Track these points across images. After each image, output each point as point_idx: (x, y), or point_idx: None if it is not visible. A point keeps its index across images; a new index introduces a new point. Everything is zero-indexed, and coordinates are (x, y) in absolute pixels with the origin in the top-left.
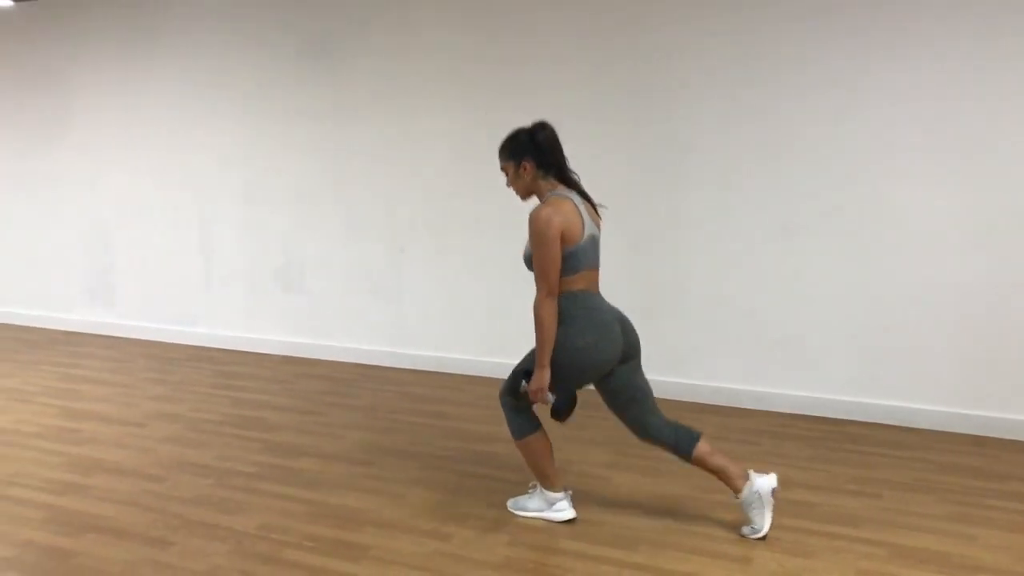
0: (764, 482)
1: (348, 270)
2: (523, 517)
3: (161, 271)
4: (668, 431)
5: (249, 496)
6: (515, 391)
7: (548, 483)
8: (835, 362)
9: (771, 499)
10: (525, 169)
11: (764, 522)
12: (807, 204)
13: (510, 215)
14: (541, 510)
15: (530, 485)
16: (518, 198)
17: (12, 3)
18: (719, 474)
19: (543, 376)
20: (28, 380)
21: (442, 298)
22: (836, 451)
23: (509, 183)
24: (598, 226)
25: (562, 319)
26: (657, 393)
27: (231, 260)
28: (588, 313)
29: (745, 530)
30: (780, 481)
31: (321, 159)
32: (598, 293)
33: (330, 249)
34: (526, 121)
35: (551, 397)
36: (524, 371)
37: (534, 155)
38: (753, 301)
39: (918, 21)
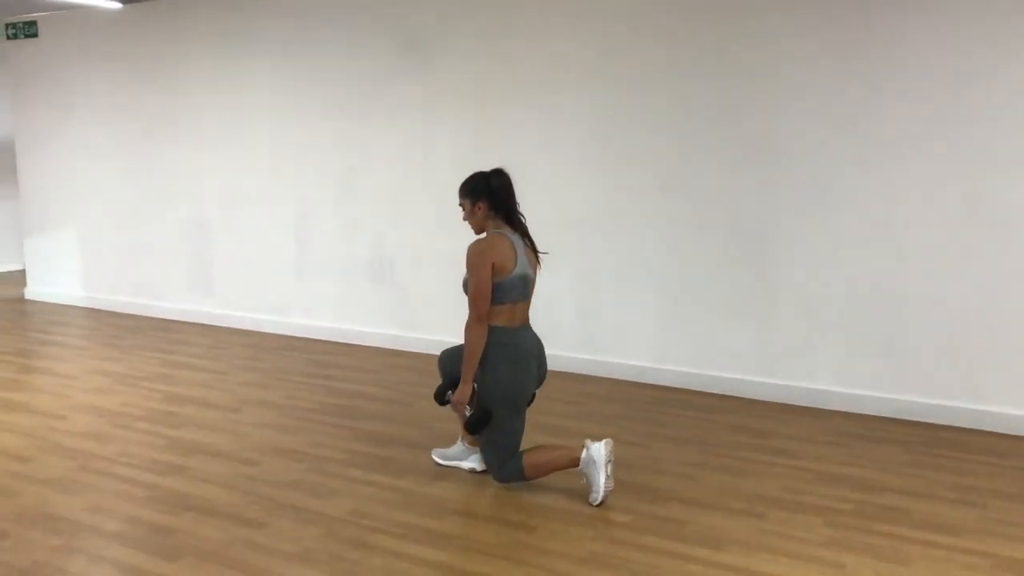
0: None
1: (438, 264)
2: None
3: (258, 263)
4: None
5: (340, 482)
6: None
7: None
8: (933, 365)
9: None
10: (479, 208)
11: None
12: (904, 203)
13: (597, 213)
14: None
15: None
16: (473, 229)
17: (121, 4)
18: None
19: (465, 391)
20: (133, 365)
21: None
22: (934, 457)
23: (465, 217)
24: (533, 268)
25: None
26: (746, 394)
27: (325, 253)
28: (502, 349)
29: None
30: (873, 485)
31: (413, 154)
32: (519, 327)
33: (421, 243)
34: (615, 116)
35: (468, 410)
36: (452, 382)
37: (488, 198)
38: (847, 301)
39: (1011, 16)
